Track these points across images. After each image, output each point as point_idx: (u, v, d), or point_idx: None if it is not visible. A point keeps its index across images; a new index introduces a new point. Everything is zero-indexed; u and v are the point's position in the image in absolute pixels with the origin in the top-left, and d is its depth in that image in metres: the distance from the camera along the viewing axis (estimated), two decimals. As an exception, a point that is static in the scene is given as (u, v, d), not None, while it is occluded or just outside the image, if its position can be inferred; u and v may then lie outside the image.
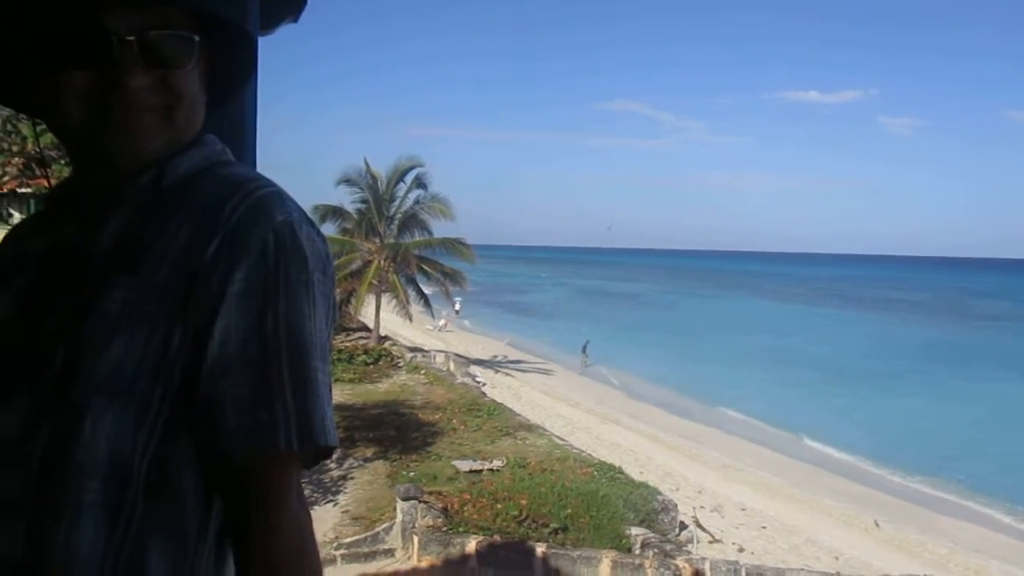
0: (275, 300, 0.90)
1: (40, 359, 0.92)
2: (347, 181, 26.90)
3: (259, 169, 1.60)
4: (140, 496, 0.89)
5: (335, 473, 11.67)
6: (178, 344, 0.90)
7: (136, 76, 0.92)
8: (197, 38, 0.97)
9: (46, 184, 1.24)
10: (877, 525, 15.21)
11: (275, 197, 0.96)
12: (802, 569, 9.55)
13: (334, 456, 12.38)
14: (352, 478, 11.67)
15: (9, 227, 1.10)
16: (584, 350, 33.25)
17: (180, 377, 0.90)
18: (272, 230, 0.92)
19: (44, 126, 1.04)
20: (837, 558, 12.74)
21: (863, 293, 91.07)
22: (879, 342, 44.75)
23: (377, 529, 9.59)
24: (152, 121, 0.95)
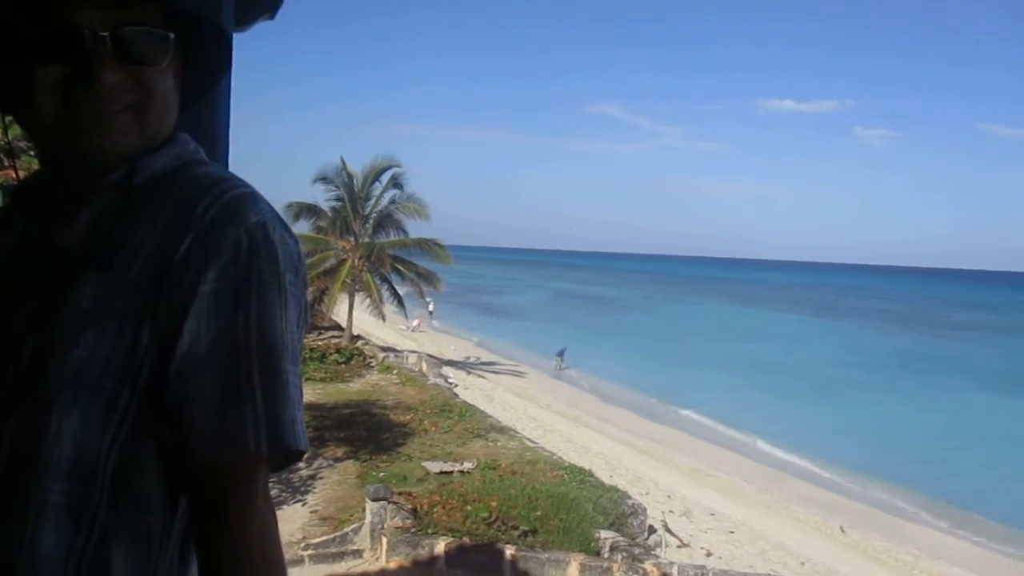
0: (247, 301, 0.90)
1: (7, 354, 0.91)
2: (323, 179, 26.78)
3: (234, 165, 1.60)
4: (105, 496, 0.89)
5: (304, 473, 11.60)
6: (147, 343, 0.89)
7: (109, 72, 0.91)
8: (172, 35, 0.96)
9: (14, 176, 1.23)
10: (843, 531, 15.39)
11: (248, 198, 0.95)
12: (769, 574, 9.64)
13: (303, 456, 12.30)
14: (321, 478, 11.60)
15: None
16: (560, 355, 33.30)
17: (148, 377, 0.89)
18: (245, 231, 0.91)
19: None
20: (803, 563, 12.87)
21: (838, 301, 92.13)
22: (852, 350, 45.27)
23: (346, 530, 9.53)
24: (124, 119, 0.94)
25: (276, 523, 0.95)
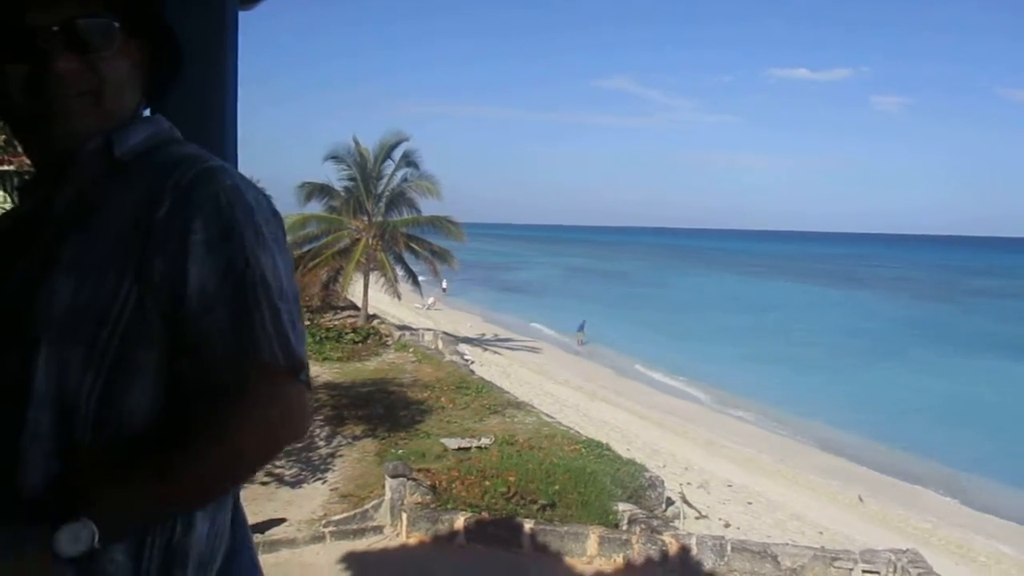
0: (238, 244, 1.01)
1: (2, 304, 1.02)
2: (334, 157, 26.70)
3: (243, 146, 1.60)
4: (88, 430, 0.98)
5: (324, 451, 11.69)
6: (126, 292, 0.99)
7: (63, 63, 1.02)
8: (117, 24, 1.06)
9: (29, 161, 1.32)
10: (861, 500, 15.38)
11: (221, 168, 1.06)
12: (787, 544, 9.66)
13: (322, 435, 12.43)
14: (341, 456, 11.69)
15: None
16: (581, 329, 33.34)
17: (127, 323, 0.99)
18: (222, 189, 1.03)
19: None
20: (821, 533, 12.88)
21: (850, 271, 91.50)
22: (866, 319, 45.02)
23: (366, 506, 9.61)
24: (82, 104, 1.05)
25: (294, 421, 1.04)
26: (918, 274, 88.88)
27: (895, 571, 8.10)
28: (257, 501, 9.22)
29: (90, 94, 1.05)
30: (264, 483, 9.81)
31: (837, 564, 8.34)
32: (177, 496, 0.98)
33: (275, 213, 1.09)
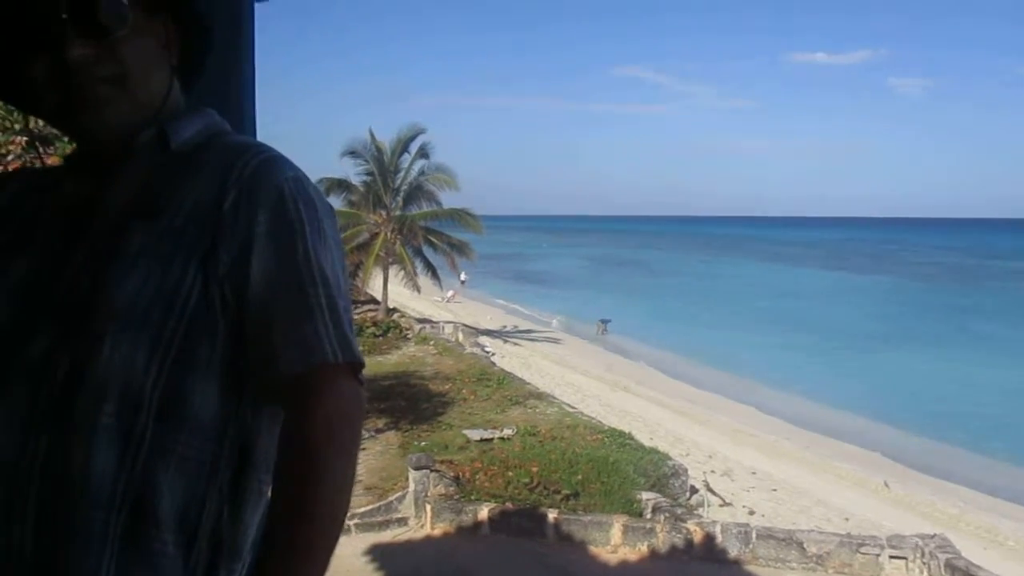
0: (302, 235, 1.02)
1: (64, 292, 1.01)
2: (351, 153, 26.81)
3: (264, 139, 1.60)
4: (151, 421, 0.97)
5: (347, 444, 11.76)
6: (191, 283, 0.99)
7: (77, 49, 1.00)
8: (125, 1, 1.03)
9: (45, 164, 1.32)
10: (887, 486, 15.28)
11: (281, 159, 1.07)
12: (812, 530, 9.61)
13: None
14: (364, 448, 11.76)
15: None
16: (605, 323, 33.33)
17: (192, 313, 0.99)
18: (286, 181, 1.04)
19: None
20: (847, 519, 12.81)
21: (870, 256, 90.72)
22: (886, 304, 44.65)
23: (390, 498, 9.67)
24: (108, 91, 1.03)
25: (357, 418, 1.05)
26: (940, 258, 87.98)
27: (923, 556, 8.05)
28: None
29: (114, 80, 1.02)
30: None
31: (864, 550, 8.30)
32: (317, 532, 1.02)
33: (330, 207, 1.09)
